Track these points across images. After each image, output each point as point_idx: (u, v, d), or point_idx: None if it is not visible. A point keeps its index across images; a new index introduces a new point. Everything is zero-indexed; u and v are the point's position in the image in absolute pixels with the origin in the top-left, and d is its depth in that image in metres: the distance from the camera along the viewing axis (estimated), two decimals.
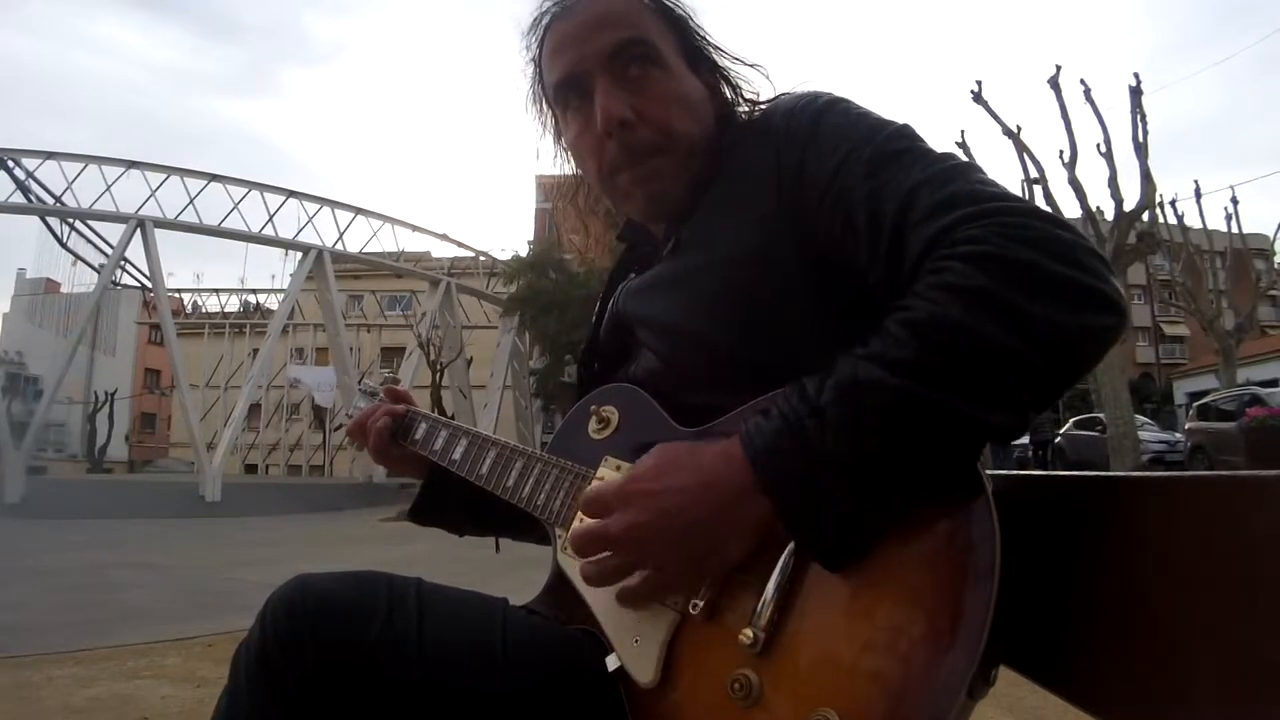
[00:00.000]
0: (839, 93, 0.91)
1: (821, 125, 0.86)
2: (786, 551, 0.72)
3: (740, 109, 1.01)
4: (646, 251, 1.07)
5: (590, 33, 0.94)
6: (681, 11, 1.00)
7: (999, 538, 0.63)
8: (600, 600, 0.84)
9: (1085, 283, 0.66)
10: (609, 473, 0.91)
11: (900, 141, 0.81)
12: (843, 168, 0.81)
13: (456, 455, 1.11)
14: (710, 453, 0.76)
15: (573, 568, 0.89)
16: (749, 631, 0.71)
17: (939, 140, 0.83)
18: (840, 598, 0.69)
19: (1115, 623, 0.64)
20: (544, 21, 0.99)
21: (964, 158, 0.80)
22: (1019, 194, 0.74)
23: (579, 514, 0.87)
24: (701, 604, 0.76)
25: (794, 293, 0.85)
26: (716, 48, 1.01)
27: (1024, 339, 0.64)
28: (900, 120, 0.85)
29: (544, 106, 1.06)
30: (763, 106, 0.98)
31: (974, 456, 0.68)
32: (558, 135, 1.07)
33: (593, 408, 0.97)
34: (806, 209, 0.84)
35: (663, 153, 0.94)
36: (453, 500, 1.19)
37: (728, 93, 1.02)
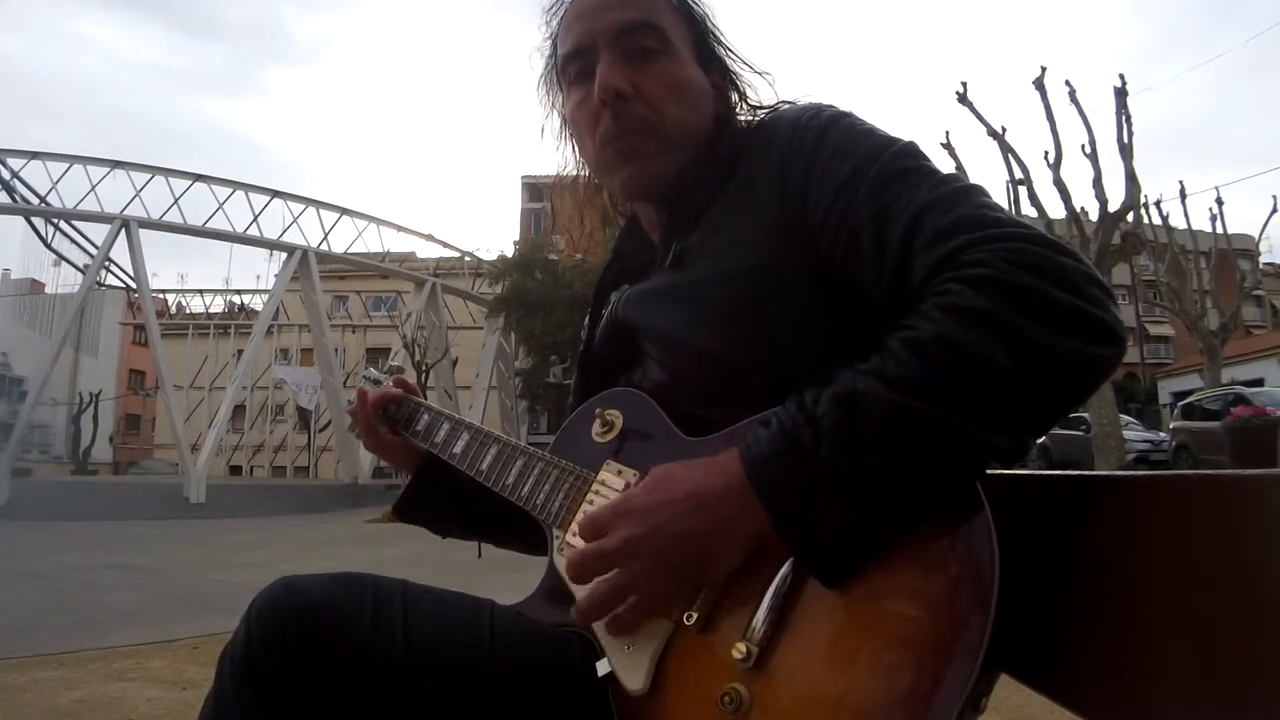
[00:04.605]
0: (843, 106, 0.91)
1: (826, 140, 0.86)
2: (784, 569, 0.72)
3: (742, 115, 1.01)
4: (645, 261, 1.06)
5: (604, 10, 0.96)
6: (700, 11, 1.01)
7: (998, 569, 0.63)
8: None
9: (1087, 311, 0.66)
10: (610, 476, 0.91)
11: (906, 161, 0.81)
12: (847, 185, 0.81)
13: (457, 449, 1.09)
14: (706, 464, 0.76)
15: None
16: (742, 646, 0.71)
17: (924, 141, 0.84)
18: (835, 619, 0.69)
19: (1100, 621, 0.64)
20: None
21: (969, 179, 0.80)
22: (1006, 197, 0.75)
23: (575, 537, 0.86)
24: (696, 615, 0.76)
25: (799, 308, 0.85)
26: (729, 51, 1.02)
27: (1024, 362, 0.64)
28: (905, 138, 0.85)
29: (556, 84, 1.07)
30: (762, 115, 0.98)
31: (973, 478, 0.68)
32: (564, 119, 1.07)
33: (597, 411, 0.97)
34: (810, 224, 0.84)
35: (652, 132, 0.94)
36: (441, 500, 1.18)
37: (733, 97, 1.02)
